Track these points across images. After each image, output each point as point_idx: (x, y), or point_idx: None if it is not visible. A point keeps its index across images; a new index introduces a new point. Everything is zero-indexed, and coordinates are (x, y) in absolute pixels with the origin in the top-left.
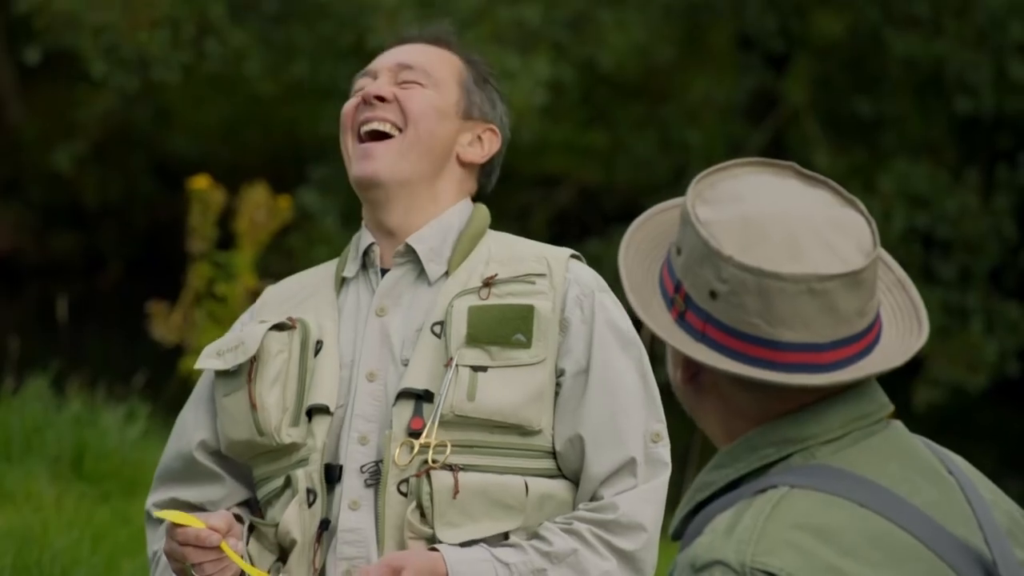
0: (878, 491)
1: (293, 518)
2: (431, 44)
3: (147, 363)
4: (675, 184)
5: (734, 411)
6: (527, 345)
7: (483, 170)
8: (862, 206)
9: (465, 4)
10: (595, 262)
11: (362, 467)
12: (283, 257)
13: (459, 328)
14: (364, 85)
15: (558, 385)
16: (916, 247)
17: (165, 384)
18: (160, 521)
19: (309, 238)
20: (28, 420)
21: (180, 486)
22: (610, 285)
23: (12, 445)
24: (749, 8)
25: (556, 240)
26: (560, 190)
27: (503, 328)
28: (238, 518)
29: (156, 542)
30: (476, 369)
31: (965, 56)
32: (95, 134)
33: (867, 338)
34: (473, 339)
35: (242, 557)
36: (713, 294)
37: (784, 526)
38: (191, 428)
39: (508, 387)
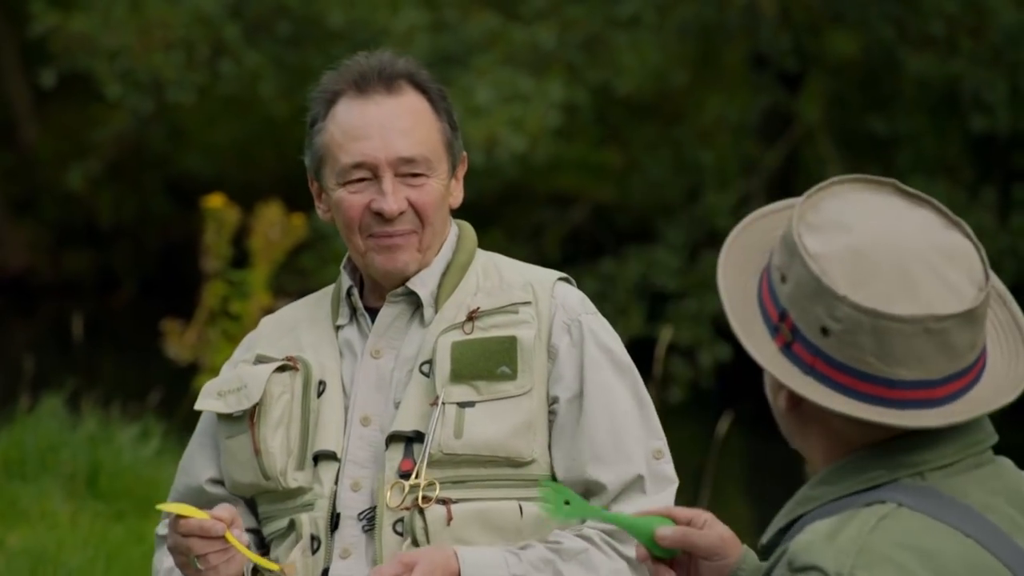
0: (983, 523)
1: (298, 563)
2: (394, 94)
3: (161, 381)
4: (689, 203)
5: (838, 438)
6: (513, 377)
7: None
8: (967, 228)
9: (478, 27)
10: (608, 281)
11: (359, 514)
12: (297, 276)
13: (443, 365)
14: (364, 178)
15: (552, 413)
16: None
17: (179, 402)
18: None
19: (322, 258)
20: (43, 438)
21: None
22: (623, 303)
23: (27, 463)
24: (763, 27)
25: (570, 259)
26: (574, 209)
27: (487, 362)
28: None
29: (162, 562)
30: (463, 405)
31: (980, 74)
32: (109, 154)
33: (976, 366)
34: (458, 375)
35: (248, 548)
36: (825, 331)
37: (887, 542)
38: (199, 467)
39: (496, 420)
